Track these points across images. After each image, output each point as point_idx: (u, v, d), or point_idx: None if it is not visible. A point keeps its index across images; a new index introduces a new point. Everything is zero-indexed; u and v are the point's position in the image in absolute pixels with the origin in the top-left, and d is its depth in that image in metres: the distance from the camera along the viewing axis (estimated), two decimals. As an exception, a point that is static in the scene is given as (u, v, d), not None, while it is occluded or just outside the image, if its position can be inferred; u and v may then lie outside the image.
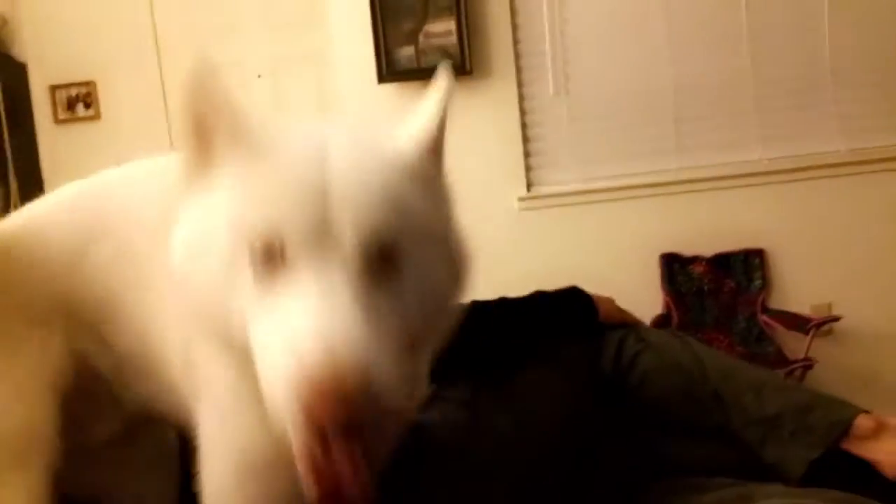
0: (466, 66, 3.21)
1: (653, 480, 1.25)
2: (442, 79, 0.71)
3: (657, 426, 1.30)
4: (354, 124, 0.73)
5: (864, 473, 1.12)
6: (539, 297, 1.40)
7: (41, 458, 0.92)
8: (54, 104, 3.55)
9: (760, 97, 3.23)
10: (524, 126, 3.36)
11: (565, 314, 1.37)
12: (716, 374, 1.26)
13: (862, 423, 1.17)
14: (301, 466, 0.56)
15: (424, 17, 3.21)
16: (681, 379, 1.26)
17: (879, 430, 1.16)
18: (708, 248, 3.24)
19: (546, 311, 1.37)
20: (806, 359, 2.90)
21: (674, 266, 3.24)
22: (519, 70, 3.33)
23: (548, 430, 1.18)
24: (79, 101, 3.53)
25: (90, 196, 1.05)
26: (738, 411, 1.23)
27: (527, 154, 3.37)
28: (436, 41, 3.23)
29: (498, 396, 1.20)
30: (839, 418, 1.18)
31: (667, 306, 3.19)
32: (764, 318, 3.14)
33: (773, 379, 1.31)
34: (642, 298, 2.85)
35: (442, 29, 3.22)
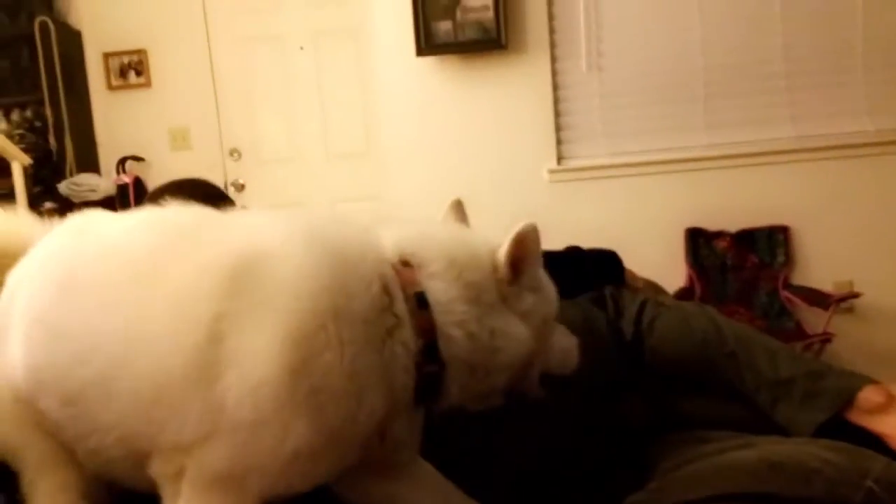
0: (502, 40, 3.30)
1: (663, 434, 1.32)
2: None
3: (672, 385, 1.36)
4: None
5: (875, 449, 1.09)
6: (578, 253, 1.47)
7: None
8: (108, 71, 3.71)
9: (791, 75, 3.28)
10: (556, 101, 3.44)
11: (602, 273, 1.46)
12: (732, 336, 1.30)
13: (870, 394, 1.17)
14: None
15: (462, -8, 3.30)
16: (698, 339, 1.31)
17: (889, 403, 1.15)
18: (733, 224, 3.32)
19: (588, 266, 1.46)
20: (824, 333, 2.98)
21: (698, 240, 3.32)
22: (553, 45, 3.41)
23: (570, 386, 1.27)
24: (130, 69, 3.69)
25: None
26: (753, 373, 1.27)
27: (558, 128, 3.45)
28: (473, 15, 3.31)
29: None
30: (848, 386, 1.20)
31: (690, 279, 3.28)
32: (785, 293, 3.22)
33: (787, 348, 1.35)
34: (666, 271, 2.92)
35: (479, 4, 3.29)
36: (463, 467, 1.09)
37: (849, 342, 3.07)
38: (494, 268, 0.90)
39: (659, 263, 2.73)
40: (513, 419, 1.14)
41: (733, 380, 1.31)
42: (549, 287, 1.00)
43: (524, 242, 0.91)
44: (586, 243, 2.64)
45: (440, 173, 3.40)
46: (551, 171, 3.43)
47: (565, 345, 1.06)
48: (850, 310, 3.21)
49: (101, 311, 0.84)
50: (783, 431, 1.22)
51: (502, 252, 0.90)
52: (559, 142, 3.46)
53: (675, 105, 3.37)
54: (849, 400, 1.19)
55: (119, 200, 3.49)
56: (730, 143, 3.34)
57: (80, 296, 0.87)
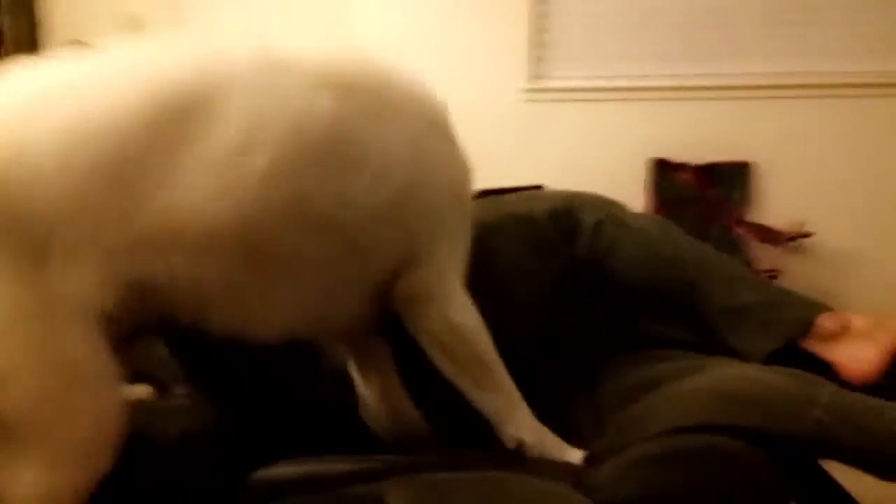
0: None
1: (616, 353, 1.32)
2: None
3: (629, 307, 1.36)
4: None
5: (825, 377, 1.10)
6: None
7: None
8: None
9: (771, 11, 3.22)
10: (537, 16, 3.33)
11: None
12: (692, 262, 1.29)
13: (825, 322, 1.18)
14: None
15: None
16: (657, 264, 1.30)
17: (843, 332, 1.16)
18: (697, 157, 3.31)
19: None
20: (772, 270, 3.04)
21: (661, 172, 3.32)
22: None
23: (521, 306, 1.26)
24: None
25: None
26: (710, 300, 1.26)
27: (535, 45, 3.35)
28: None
29: (475, 270, 1.20)
30: (804, 315, 1.20)
31: (648, 211, 3.29)
32: (738, 229, 3.25)
33: (748, 274, 1.34)
34: (626, 200, 2.91)
35: None
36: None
37: (795, 281, 3.14)
38: None
39: (620, 193, 2.71)
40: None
41: (690, 304, 1.31)
42: None
43: None
44: (552, 165, 2.61)
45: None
46: (525, 90, 3.36)
47: None
48: (800, 249, 3.26)
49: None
50: (737, 357, 1.22)
51: None
52: (537, 59, 3.37)
53: (653, 31, 3.29)
54: (805, 329, 1.19)
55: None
56: (702, 75, 3.30)
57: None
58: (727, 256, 1.40)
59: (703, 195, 3.30)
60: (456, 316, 1.06)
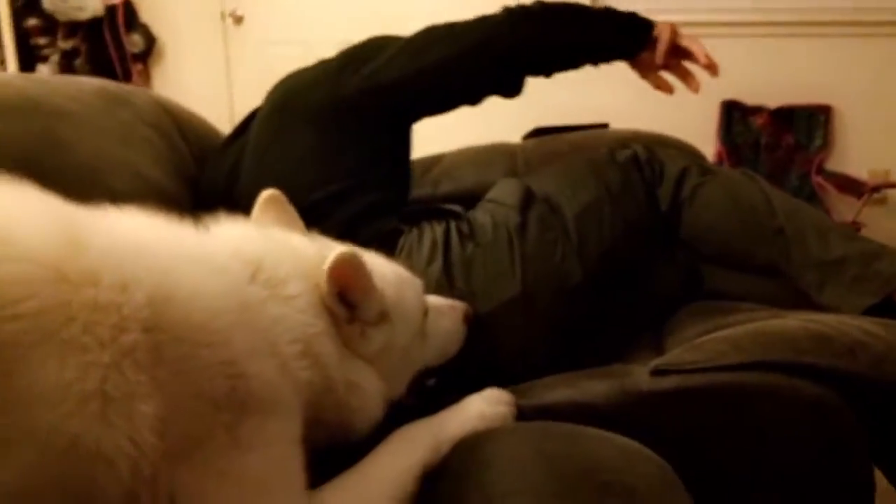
0: None
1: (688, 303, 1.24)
2: None
3: (708, 258, 1.27)
4: None
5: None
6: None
7: None
8: None
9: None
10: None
11: None
12: (783, 211, 1.20)
13: None
14: None
15: None
16: (745, 211, 1.21)
17: None
18: (772, 100, 3.08)
19: None
20: (854, 223, 2.84)
21: (733, 115, 3.10)
22: None
23: (595, 254, 1.17)
24: None
25: None
26: (801, 251, 1.18)
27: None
28: None
29: (549, 211, 1.18)
30: None
31: (718, 156, 3.10)
32: (818, 178, 3.05)
33: (840, 226, 1.25)
34: (694, 145, 2.76)
35: None
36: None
37: (878, 234, 2.93)
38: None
39: (689, 136, 2.55)
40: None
41: (777, 258, 1.21)
42: (407, 297, 0.76)
43: (342, 276, 0.65)
44: (620, 105, 2.45)
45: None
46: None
47: (444, 329, 0.85)
48: (883, 200, 3.05)
49: None
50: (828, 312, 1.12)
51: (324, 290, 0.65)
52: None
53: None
54: None
55: (107, 23, 3.22)
56: (782, 9, 3.04)
57: None
58: (817, 210, 1.30)
59: (779, 141, 3.08)
60: None
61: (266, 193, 0.77)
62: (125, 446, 0.45)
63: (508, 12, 1.18)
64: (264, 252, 0.63)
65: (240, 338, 0.54)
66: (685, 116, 3.02)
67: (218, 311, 0.53)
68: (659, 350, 1.11)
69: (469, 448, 0.68)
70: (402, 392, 0.77)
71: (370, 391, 0.68)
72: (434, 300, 0.86)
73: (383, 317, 0.70)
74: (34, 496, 0.42)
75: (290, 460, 0.57)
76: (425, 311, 0.80)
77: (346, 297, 0.66)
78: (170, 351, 0.49)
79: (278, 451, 0.56)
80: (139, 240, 0.53)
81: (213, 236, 0.64)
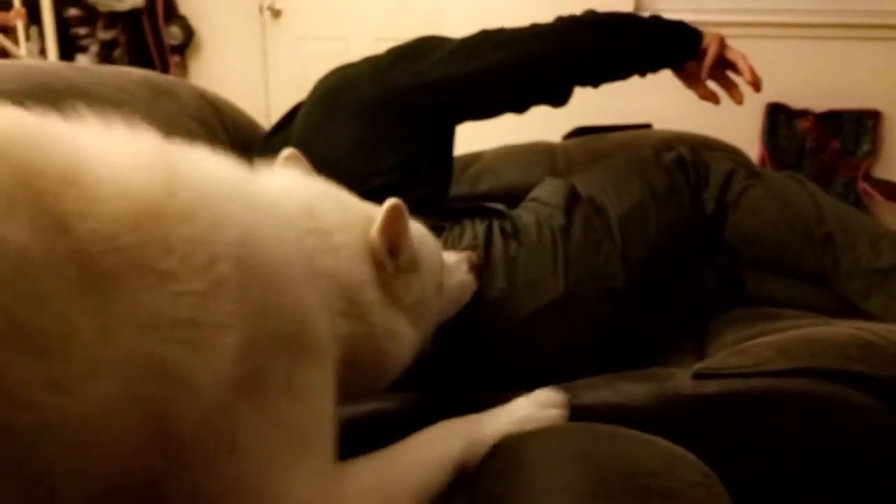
0: None
1: (730, 308, 1.22)
2: None
3: (751, 262, 1.25)
4: None
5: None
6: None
7: None
8: None
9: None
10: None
11: None
12: (832, 217, 1.17)
13: None
14: None
15: None
16: (793, 216, 1.18)
17: None
18: (819, 104, 3.01)
19: None
20: (901, 231, 2.76)
21: (778, 117, 3.04)
22: None
23: (638, 256, 1.15)
24: None
25: None
26: (851, 258, 1.16)
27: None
28: None
29: (594, 213, 1.16)
30: None
31: (762, 160, 3.03)
32: (864, 185, 2.96)
33: (891, 234, 1.22)
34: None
35: None
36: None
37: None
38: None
39: (733, 139, 2.50)
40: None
41: (825, 264, 1.18)
42: (430, 251, 0.79)
43: (394, 226, 0.68)
44: (663, 106, 2.42)
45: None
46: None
47: (457, 280, 0.89)
48: (932, 210, 2.96)
49: None
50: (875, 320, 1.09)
51: (375, 237, 0.67)
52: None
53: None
54: None
55: (147, 15, 3.27)
56: (832, 11, 2.97)
57: None
58: (867, 216, 1.27)
59: (825, 146, 3.01)
60: None
61: (287, 151, 0.78)
62: (206, 374, 0.48)
63: (561, 21, 1.17)
64: (312, 202, 0.66)
65: (304, 286, 0.57)
66: (728, 118, 2.94)
67: (289, 259, 0.57)
68: (699, 354, 1.09)
69: (510, 446, 0.67)
70: (427, 342, 0.79)
71: (407, 337, 0.71)
72: (444, 254, 0.87)
73: (414, 266, 0.72)
74: (116, 417, 0.44)
75: (327, 419, 0.58)
76: (442, 264, 0.83)
77: (391, 246, 0.68)
78: (254, 287, 0.52)
79: (319, 406, 0.57)
80: (226, 179, 0.56)
81: (271, 183, 0.67)
